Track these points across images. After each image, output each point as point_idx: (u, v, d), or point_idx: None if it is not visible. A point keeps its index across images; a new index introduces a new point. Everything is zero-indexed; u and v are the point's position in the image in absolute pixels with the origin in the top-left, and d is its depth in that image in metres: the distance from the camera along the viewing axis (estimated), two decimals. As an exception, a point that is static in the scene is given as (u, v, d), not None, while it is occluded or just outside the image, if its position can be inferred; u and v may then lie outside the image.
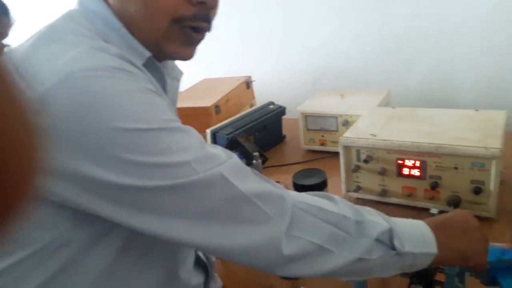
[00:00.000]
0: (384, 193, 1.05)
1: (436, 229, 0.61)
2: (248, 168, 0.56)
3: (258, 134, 1.43)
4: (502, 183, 1.01)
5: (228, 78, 1.83)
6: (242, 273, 0.89)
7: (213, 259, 0.80)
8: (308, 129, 1.42)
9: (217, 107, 1.58)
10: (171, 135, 0.50)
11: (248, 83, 1.81)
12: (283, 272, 0.56)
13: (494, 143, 0.93)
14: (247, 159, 1.20)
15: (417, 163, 1.00)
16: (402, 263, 0.59)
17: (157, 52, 0.61)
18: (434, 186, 0.99)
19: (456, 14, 1.54)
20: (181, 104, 1.59)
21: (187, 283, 0.70)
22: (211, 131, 1.39)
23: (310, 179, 0.94)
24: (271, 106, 1.59)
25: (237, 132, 1.38)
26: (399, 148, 1.01)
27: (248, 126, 1.44)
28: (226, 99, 1.65)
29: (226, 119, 1.50)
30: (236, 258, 0.55)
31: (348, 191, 1.10)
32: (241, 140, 1.33)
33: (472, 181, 0.95)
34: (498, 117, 1.07)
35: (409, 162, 1.01)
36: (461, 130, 1.02)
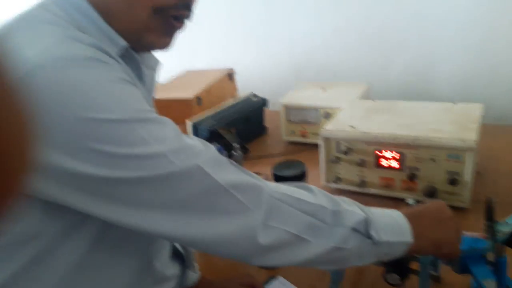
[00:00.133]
0: (363, 184, 1.07)
1: (412, 219, 0.63)
2: (225, 159, 0.56)
3: (240, 126, 1.43)
4: (478, 174, 1.04)
5: (210, 70, 1.82)
6: (220, 263, 0.89)
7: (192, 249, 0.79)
8: (289, 121, 1.43)
9: (198, 98, 1.57)
10: (146, 126, 0.49)
11: (230, 75, 1.80)
12: (260, 261, 0.57)
13: (470, 135, 0.95)
14: (228, 151, 1.20)
15: (396, 155, 1.02)
16: (378, 251, 0.60)
17: (135, 43, 0.60)
18: (412, 177, 1.00)
19: (436, 8, 1.57)
20: (162, 95, 1.59)
21: (162, 274, 0.69)
22: (193, 123, 1.38)
23: (290, 170, 0.94)
24: (254, 99, 1.59)
25: (219, 124, 1.37)
26: (377, 140, 1.02)
27: (230, 118, 1.43)
28: (208, 91, 1.65)
29: (208, 111, 1.49)
30: (212, 249, 0.55)
31: (328, 181, 1.11)
32: (222, 132, 1.33)
33: (448, 172, 0.97)
34: (474, 110, 1.09)
35: (387, 154, 1.02)
36: (438, 123, 1.04)
